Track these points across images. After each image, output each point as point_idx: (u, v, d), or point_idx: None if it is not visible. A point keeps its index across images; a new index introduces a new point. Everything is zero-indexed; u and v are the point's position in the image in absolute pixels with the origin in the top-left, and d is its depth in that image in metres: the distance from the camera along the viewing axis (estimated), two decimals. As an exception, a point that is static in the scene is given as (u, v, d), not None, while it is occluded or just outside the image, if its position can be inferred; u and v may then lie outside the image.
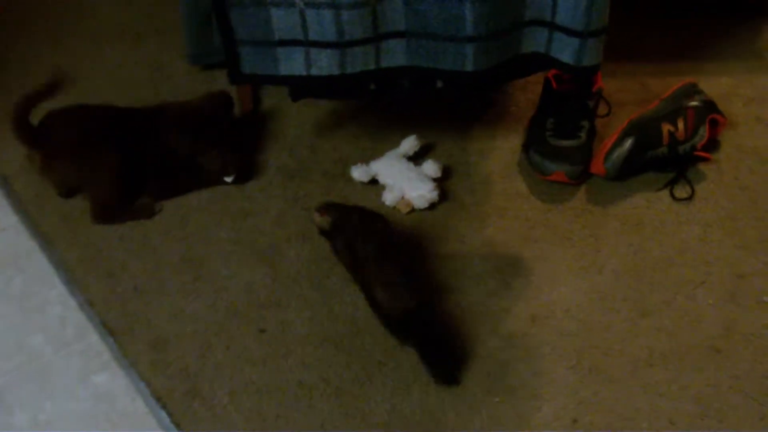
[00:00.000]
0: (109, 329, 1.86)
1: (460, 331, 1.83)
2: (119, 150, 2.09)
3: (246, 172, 2.20)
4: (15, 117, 2.05)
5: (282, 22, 1.95)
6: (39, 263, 2.01)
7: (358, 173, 2.14)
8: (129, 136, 2.12)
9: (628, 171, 2.11)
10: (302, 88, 2.16)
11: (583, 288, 1.91)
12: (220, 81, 2.35)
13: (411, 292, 1.77)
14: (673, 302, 1.87)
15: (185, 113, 2.20)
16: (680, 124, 2.13)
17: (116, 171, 2.09)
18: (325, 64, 1.98)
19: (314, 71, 2.00)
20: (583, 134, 2.16)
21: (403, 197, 2.07)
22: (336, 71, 1.99)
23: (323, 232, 1.93)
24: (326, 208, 1.92)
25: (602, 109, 2.29)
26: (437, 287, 1.92)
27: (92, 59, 2.63)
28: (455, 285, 1.92)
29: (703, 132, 2.15)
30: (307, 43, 1.96)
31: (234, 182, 2.16)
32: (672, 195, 2.10)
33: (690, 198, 2.09)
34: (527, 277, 1.93)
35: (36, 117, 2.10)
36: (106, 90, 2.48)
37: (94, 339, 1.85)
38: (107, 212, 2.10)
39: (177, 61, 2.56)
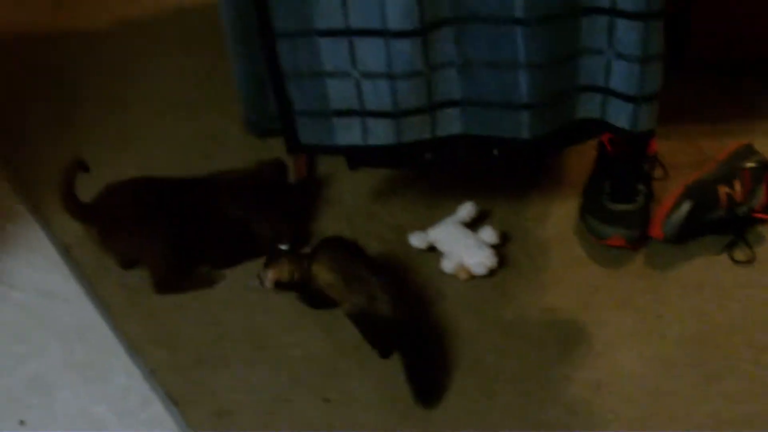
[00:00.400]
0: (172, 399, 1.86)
1: (523, 399, 1.82)
2: (175, 221, 2.11)
3: (302, 240, 2.21)
4: (61, 196, 2.08)
5: (338, 92, 1.97)
6: (102, 333, 2.02)
7: (416, 240, 2.15)
8: (184, 205, 2.15)
9: (687, 234, 2.11)
10: (359, 156, 2.17)
11: (646, 354, 1.90)
12: (275, 149, 2.37)
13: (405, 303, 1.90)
14: (739, 368, 1.85)
15: (239, 181, 2.22)
16: (737, 186, 2.12)
17: (172, 243, 2.11)
18: (381, 133, 2.00)
19: (371, 141, 2.02)
20: (640, 198, 2.16)
21: (461, 264, 2.08)
22: (392, 140, 2.01)
23: (282, 285, 1.99)
24: (274, 261, 2.00)
25: (658, 172, 2.29)
26: (496, 353, 1.92)
27: (147, 127, 2.67)
28: (516, 352, 1.92)
29: (761, 193, 2.15)
30: (364, 113, 1.98)
31: (290, 251, 2.17)
32: (731, 258, 2.10)
33: (750, 261, 2.08)
34: (588, 344, 1.93)
35: (94, 190, 2.14)
36: (162, 157, 2.51)
37: (157, 409, 1.85)
38: (167, 283, 2.12)
39: (231, 129, 2.59)
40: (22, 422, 1.84)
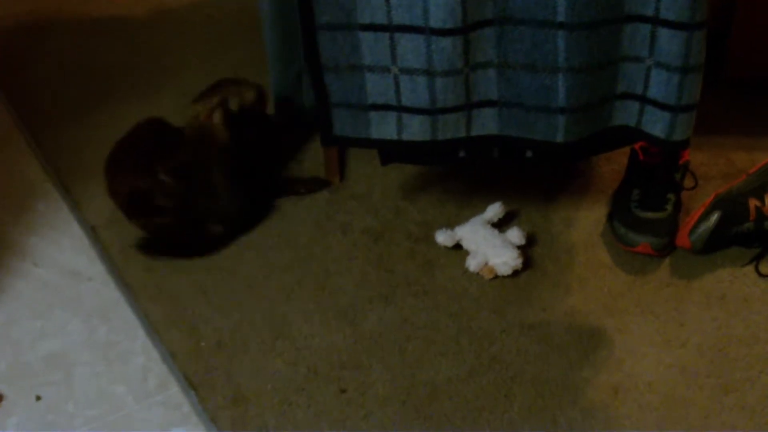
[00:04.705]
0: (190, 382, 1.87)
1: (541, 400, 1.81)
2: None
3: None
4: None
5: (376, 87, 1.97)
6: (123, 314, 2.03)
7: (443, 238, 2.14)
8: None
9: (714, 245, 2.10)
10: (392, 152, 2.17)
11: (666, 362, 1.89)
12: (307, 138, 2.37)
13: None
14: (758, 380, 1.84)
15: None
16: (767, 200, 2.11)
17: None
18: (416, 129, 2.00)
19: (405, 136, 2.02)
20: (669, 207, 2.15)
21: (486, 263, 2.07)
22: (427, 137, 2.00)
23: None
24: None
25: (688, 182, 2.27)
26: (516, 353, 1.91)
27: (178, 114, 2.66)
28: (537, 353, 1.91)
29: (791, 208, 2.14)
30: (400, 109, 1.98)
31: None
32: (757, 271, 2.08)
33: (776, 275, 2.07)
34: (609, 349, 1.92)
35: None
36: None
37: (175, 391, 1.86)
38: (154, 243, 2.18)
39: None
40: (38, 397, 1.85)
